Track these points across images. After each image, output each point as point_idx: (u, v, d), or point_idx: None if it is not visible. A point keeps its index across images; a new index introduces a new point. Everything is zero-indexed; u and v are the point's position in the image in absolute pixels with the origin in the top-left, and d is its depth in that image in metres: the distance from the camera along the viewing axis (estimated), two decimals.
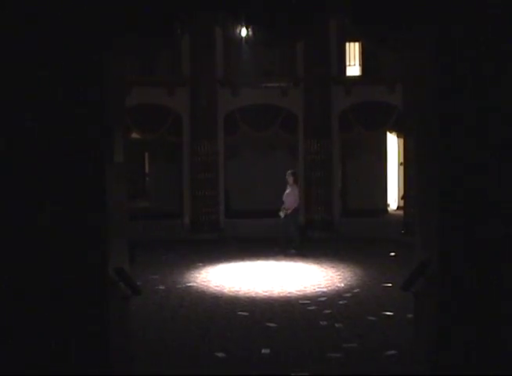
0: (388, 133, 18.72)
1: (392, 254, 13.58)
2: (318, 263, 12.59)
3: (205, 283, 10.74)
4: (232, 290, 10.19)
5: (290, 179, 13.71)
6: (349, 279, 11.01)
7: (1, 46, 4.49)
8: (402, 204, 17.54)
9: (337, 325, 7.96)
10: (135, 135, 17.33)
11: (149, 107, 16.62)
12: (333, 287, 10.31)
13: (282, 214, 13.62)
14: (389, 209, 19.50)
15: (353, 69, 18.02)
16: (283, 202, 13.71)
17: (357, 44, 17.67)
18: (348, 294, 9.77)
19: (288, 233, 13.66)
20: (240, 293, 9.98)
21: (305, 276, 11.38)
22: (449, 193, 4.64)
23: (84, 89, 4.57)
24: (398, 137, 18.84)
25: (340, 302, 9.25)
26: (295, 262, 12.86)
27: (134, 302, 6.00)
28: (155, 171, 20.83)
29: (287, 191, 13.73)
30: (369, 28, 5.24)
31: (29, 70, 4.52)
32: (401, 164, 18.58)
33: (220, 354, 6.81)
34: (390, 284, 10.20)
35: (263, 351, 6.92)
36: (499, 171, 4.58)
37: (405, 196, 16.28)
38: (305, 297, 9.63)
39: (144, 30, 4.95)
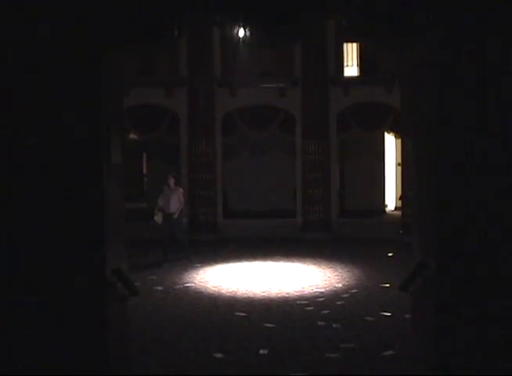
0: (386, 134, 18.73)
1: (390, 254, 13.58)
2: (316, 264, 12.59)
3: (203, 284, 10.73)
4: (230, 290, 10.18)
5: (171, 182, 12.98)
6: (347, 279, 11.02)
7: (1, 47, 4.50)
8: (399, 204, 17.56)
9: (334, 325, 7.97)
10: (132, 136, 17.33)
11: (147, 108, 16.61)
12: (330, 288, 10.31)
13: (158, 219, 12.81)
14: (387, 210, 19.51)
15: (351, 69, 18.04)
16: (161, 206, 12.81)
17: (355, 44, 17.68)
18: (346, 295, 9.77)
19: (176, 235, 13.09)
20: (238, 293, 9.97)
21: (303, 276, 11.38)
22: (448, 193, 4.65)
23: (82, 90, 4.57)
24: (395, 137, 18.84)
25: (338, 303, 9.25)
26: (292, 262, 12.87)
27: (132, 303, 5.99)
28: (153, 171, 20.81)
29: (170, 195, 12.86)
30: (367, 29, 5.25)
31: (28, 71, 4.52)
32: (399, 164, 18.60)
33: (218, 355, 6.81)
34: (388, 285, 10.20)
35: (261, 351, 6.92)
36: (498, 171, 4.58)
37: (403, 196, 16.29)
38: (303, 297, 9.62)
39: (142, 31, 4.95)
